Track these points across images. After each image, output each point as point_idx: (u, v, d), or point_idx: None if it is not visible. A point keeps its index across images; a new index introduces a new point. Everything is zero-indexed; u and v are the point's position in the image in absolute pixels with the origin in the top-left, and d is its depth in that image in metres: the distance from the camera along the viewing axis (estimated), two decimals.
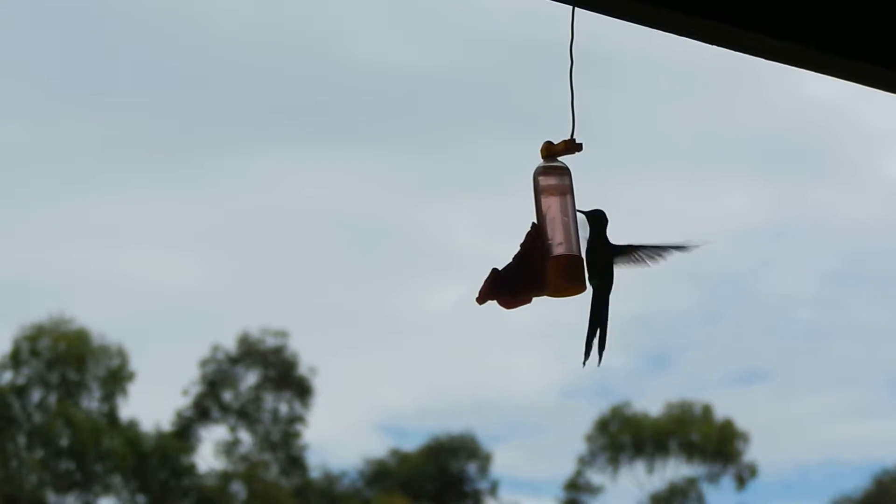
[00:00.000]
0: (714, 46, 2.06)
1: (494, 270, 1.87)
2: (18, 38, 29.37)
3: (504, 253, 1.92)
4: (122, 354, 24.52)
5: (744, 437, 27.10)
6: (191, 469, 24.62)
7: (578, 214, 1.91)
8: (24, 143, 29.14)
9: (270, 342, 25.84)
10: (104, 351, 24.38)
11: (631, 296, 32.17)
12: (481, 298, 1.86)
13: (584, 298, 1.89)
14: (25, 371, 24.01)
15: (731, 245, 33.79)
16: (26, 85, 29.41)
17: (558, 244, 1.87)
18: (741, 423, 27.43)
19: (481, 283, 1.87)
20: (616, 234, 1.97)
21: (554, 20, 1.91)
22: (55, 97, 30.53)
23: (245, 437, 25.51)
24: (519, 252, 1.89)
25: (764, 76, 32.57)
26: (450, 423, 31.43)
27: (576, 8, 1.91)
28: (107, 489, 23.92)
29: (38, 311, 28.17)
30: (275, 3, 30.05)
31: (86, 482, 23.75)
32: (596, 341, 1.95)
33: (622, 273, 1.98)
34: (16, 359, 24.00)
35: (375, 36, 32.03)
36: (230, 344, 25.83)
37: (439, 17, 32.75)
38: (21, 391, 23.84)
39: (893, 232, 30.36)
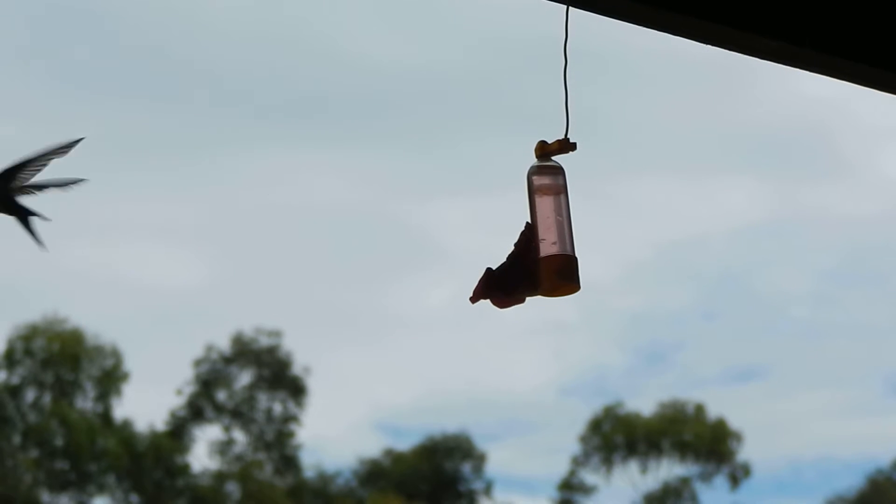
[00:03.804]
0: (708, 46, 2.06)
1: (488, 270, 1.87)
2: (18, 38, 29.35)
3: (499, 252, 1.93)
4: (116, 354, 24.51)
5: (737, 436, 27.14)
6: (185, 469, 24.61)
7: None
8: (22, 142, 29.08)
9: (264, 342, 25.84)
10: (98, 351, 24.37)
11: (628, 294, 32.20)
12: (475, 298, 1.87)
13: (579, 298, 1.90)
14: (20, 371, 24.00)
15: (728, 243, 33.87)
16: (26, 85, 29.41)
17: (552, 243, 1.88)
18: (734, 422, 27.49)
19: (475, 283, 1.87)
20: (613, 234, 1.97)
21: (552, 19, 1.91)
22: (55, 97, 30.52)
23: (239, 436, 25.52)
24: (513, 251, 1.89)
25: (761, 74, 32.59)
26: (445, 422, 31.46)
27: (570, 7, 1.91)
28: (101, 489, 23.90)
29: (32, 311, 28.16)
30: (275, 2, 30.06)
31: (80, 482, 23.72)
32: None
33: (612, 272, 1.99)
34: (10, 359, 23.99)
35: (375, 35, 32.05)
36: (224, 343, 25.85)
37: (439, 16, 32.78)
38: (15, 391, 23.82)
39: (890, 229, 30.38)
